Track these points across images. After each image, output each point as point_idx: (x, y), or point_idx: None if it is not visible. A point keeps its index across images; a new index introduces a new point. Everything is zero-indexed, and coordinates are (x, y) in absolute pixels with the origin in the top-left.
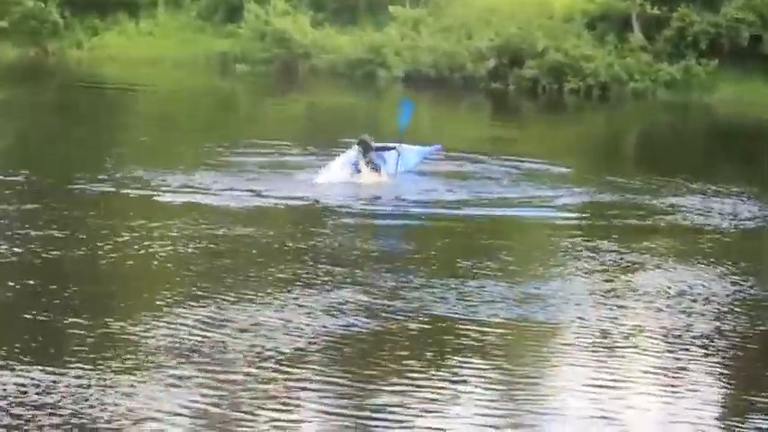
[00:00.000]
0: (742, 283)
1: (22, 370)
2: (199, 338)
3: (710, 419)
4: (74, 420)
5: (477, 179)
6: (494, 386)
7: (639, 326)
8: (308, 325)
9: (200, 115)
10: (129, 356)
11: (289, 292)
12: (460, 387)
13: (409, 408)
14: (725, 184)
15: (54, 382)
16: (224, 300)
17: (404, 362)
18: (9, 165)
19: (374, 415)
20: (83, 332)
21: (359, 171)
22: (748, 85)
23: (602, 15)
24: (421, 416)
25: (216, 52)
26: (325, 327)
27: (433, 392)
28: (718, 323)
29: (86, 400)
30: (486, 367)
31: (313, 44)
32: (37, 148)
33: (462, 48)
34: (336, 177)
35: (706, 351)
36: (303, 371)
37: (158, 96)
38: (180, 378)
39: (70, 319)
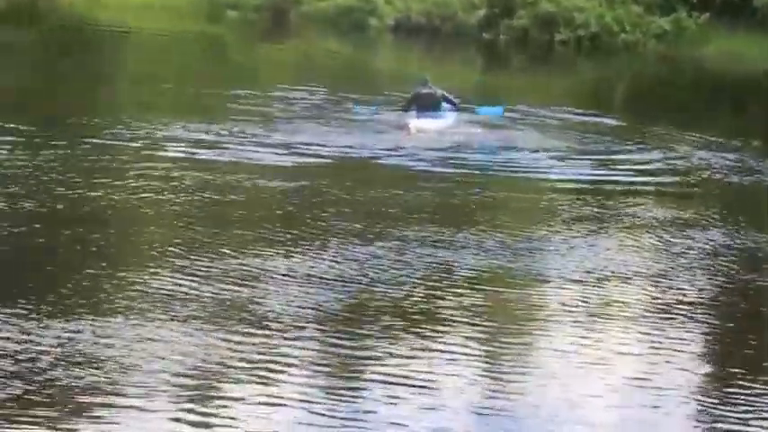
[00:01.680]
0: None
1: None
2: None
3: (694, 394)
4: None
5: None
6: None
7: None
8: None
9: (197, 64)
10: (117, 303)
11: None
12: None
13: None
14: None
15: (45, 328)
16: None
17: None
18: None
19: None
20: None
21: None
22: (739, 38)
23: None
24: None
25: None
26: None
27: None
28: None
29: (79, 352)
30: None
31: None
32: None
33: None
34: (430, 125)
35: (694, 320)
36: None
37: (156, 42)
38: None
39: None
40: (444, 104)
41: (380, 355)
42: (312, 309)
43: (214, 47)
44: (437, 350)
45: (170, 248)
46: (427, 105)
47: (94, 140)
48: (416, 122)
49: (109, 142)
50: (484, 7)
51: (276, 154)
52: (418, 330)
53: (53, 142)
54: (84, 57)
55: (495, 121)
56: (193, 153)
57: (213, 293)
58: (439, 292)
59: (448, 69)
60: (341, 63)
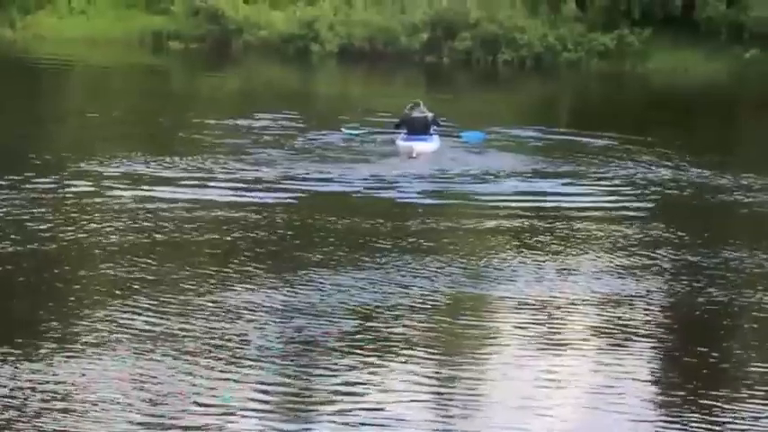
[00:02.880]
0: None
1: None
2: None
3: (643, 409)
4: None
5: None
6: None
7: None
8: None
9: (146, 97)
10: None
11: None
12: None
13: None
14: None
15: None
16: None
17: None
18: None
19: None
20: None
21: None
22: (682, 52)
23: None
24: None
25: (149, 30)
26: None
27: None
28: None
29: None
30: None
31: (246, 20)
32: None
33: (396, 21)
34: (428, 147)
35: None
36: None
37: (96, 76)
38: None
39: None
40: (433, 128)
41: (340, 382)
42: (275, 338)
43: (160, 79)
44: (395, 374)
45: (134, 285)
46: (418, 129)
47: (49, 179)
48: (417, 145)
49: (67, 181)
50: (427, 31)
51: (241, 186)
52: (375, 356)
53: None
54: (30, 94)
55: (474, 145)
56: (159, 188)
57: (180, 328)
58: (396, 319)
59: (391, 92)
60: (287, 90)
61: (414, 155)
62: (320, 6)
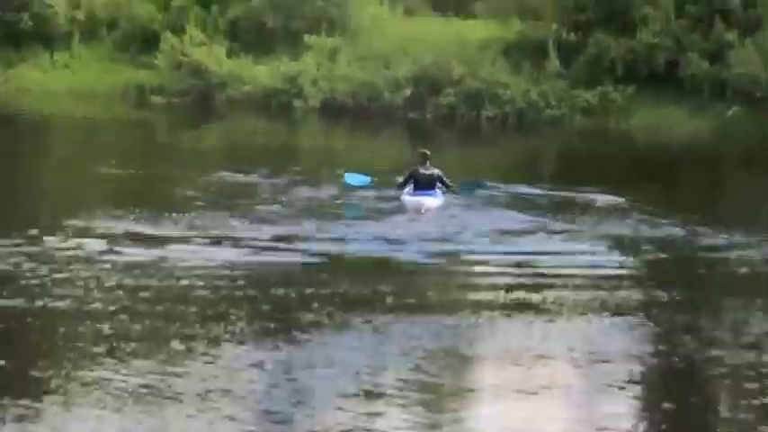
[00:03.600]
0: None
1: None
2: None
3: None
4: None
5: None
6: None
7: None
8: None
9: (130, 152)
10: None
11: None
12: None
13: None
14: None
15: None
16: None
17: None
18: None
19: None
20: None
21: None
22: (666, 110)
23: (517, 43)
24: None
25: (133, 84)
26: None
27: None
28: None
29: None
30: None
31: (229, 74)
32: None
33: (379, 77)
34: (435, 202)
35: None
36: None
37: (79, 129)
38: None
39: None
40: (438, 184)
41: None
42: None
43: (143, 133)
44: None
45: (121, 343)
46: (424, 185)
47: (34, 236)
48: (426, 200)
49: (48, 237)
50: (410, 86)
51: (237, 244)
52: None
53: None
54: (14, 147)
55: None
56: (150, 246)
57: (173, 388)
58: (374, 374)
59: (375, 147)
60: (271, 145)
61: (423, 211)
62: (303, 61)
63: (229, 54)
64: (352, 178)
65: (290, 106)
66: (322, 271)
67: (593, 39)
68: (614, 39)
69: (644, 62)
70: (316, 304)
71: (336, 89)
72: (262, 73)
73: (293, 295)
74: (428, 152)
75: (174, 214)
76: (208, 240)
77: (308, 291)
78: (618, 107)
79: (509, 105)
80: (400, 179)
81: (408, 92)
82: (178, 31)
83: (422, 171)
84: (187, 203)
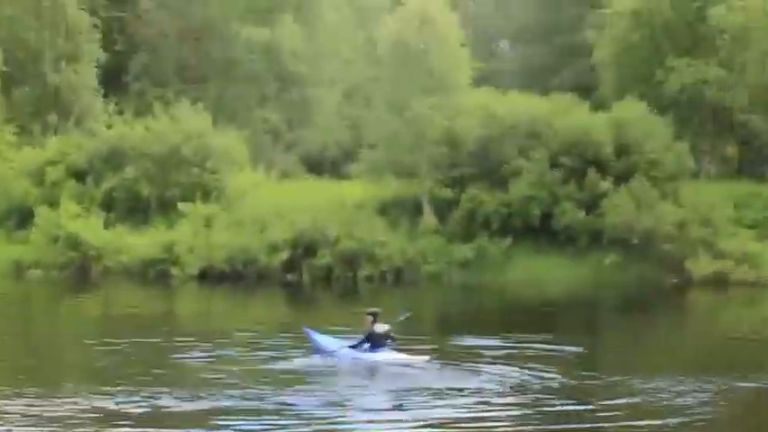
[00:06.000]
0: None
1: None
2: None
3: None
4: None
5: None
6: None
7: None
8: None
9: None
10: None
11: None
12: None
13: None
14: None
15: None
16: None
17: None
18: None
19: None
20: None
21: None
22: (541, 261)
23: (393, 201)
24: None
25: (10, 260)
26: None
27: None
28: None
29: None
30: None
31: (106, 245)
32: None
33: (256, 241)
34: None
35: None
36: None
37: None
38: None
39: None
40: (388, 341)
41: None
42: None
43: (20, 308)
44: None
45: None
46: (381, 342)
47: None
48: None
49: None
50: (287, 249)
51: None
52: None
53: None
54: None
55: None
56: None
57: None
58: None
59: (253, 313)
60: (149, 315)
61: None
62: (179, 229)
63: (105, 225)
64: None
65: (167, 274)
66: None
67: (468, 194)
68: (488, 193)
69: (519, 215)
70: None
71: (213, 256)
72: (138, 242)
73: None
74: (379, 311)
75: (58, 395)
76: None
77: None
78: (494, 261)
79: (386, 263)
80: (336, 343)
81: (285, 255)
82: (54, 204)
83: (377, 330)
84: (74, 379)
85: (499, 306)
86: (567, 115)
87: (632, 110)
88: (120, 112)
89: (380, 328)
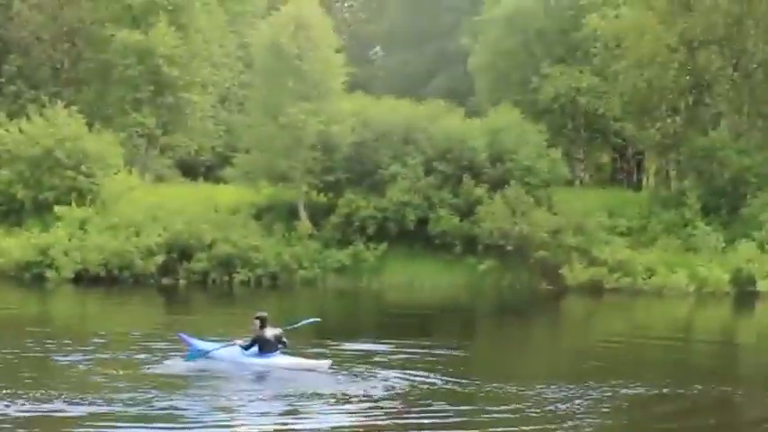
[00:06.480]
0: None
1: None
2: None
3: None
4: None
5: None
6: None
7: None
8: None
9: None
10: None
11: None
12: None
13: None
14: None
15: None
16: None
17: None
18: None
19: None
20: None
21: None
22: (416, 265)
23: (268, 205)
24: None
25: None
26: None
27: None
28: None
29: None
30: None
31: None
32: None
33: (131, 245)
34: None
35: None
36: None
37: None
38: None
39: None
40: (279, 345)
41: None
42: None
43: None
44: None
45: None
46: (272, 347)
47: None
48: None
49: None
50: (162, 253)
51: None
52: None
53: None
54: None
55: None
56: None
57: None
58: None
59: (130, 316)
60: (25, 317)
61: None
62: (54, 233)
63: None
64: (192, 355)
65: (43, 277)
66: None
67: (343, 199)
68: (364, 198)
69: (394, 220)
70: None
71: (88, 259)
72: (13, 245)
73: None
74: (266, 314)
75: None
76: None
77: None
78: (370, 265)
79: (261, 268)
80: (239, 341)
81: (160, 259)
82: None
83: (268, 335)
84: None
85: (376, 311)
86: (441, 121)
87: (507, 116)
88: None
89: (270, 332)
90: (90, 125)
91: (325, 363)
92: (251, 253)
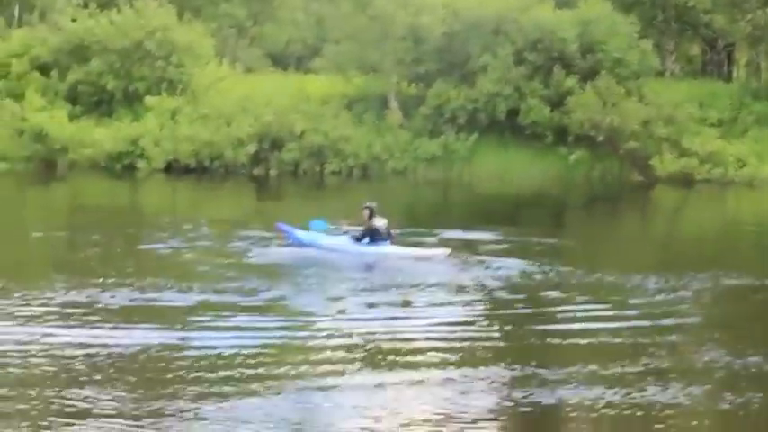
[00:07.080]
0: None
1: None
2: None
3: None
4: None
5: None
6: None
7: None
8: None
9: None
10: None
11: None
12: None
13: None
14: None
15: None
16: None
17: None
18: None
19: None
20: None
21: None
22: (508, 156)
23: (359, 96)
24: None
25: None
26: None
27: None
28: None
29: None
30: None
31: (71, 139)
32: None
33: (221, 135)
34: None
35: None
36: None
37: None
38: None
39: None
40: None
41: None
42: None
43: None
44: None
45: None
46: (382, 236)
47: None
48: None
49: None
50: (253, 144)
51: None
52: None
53: None
54: None
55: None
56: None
57: None
58: None
59: (224, 206)
60: (117, 207)
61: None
62: (145, 123)
63: (71, 118)
64: (316, 225)
65: (133, 168)
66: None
67: (434, 90)
68: (454, 89)
69: (485, 111)
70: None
71: (179, 149)
72: (103, 136)
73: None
74: (375, 204)
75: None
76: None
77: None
78: (460, 156)
79: (352, 159)
80: (347, 227)
81: (251, 149)
82: (18, 97)
83: (377, 224)
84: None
85: (469, 201)
86: (532, 11)
87: (597, 7)
88: (85, 6)
89: (379, 221)
90: (180, 16)
91: (443, 251)
92: (341, 143)
